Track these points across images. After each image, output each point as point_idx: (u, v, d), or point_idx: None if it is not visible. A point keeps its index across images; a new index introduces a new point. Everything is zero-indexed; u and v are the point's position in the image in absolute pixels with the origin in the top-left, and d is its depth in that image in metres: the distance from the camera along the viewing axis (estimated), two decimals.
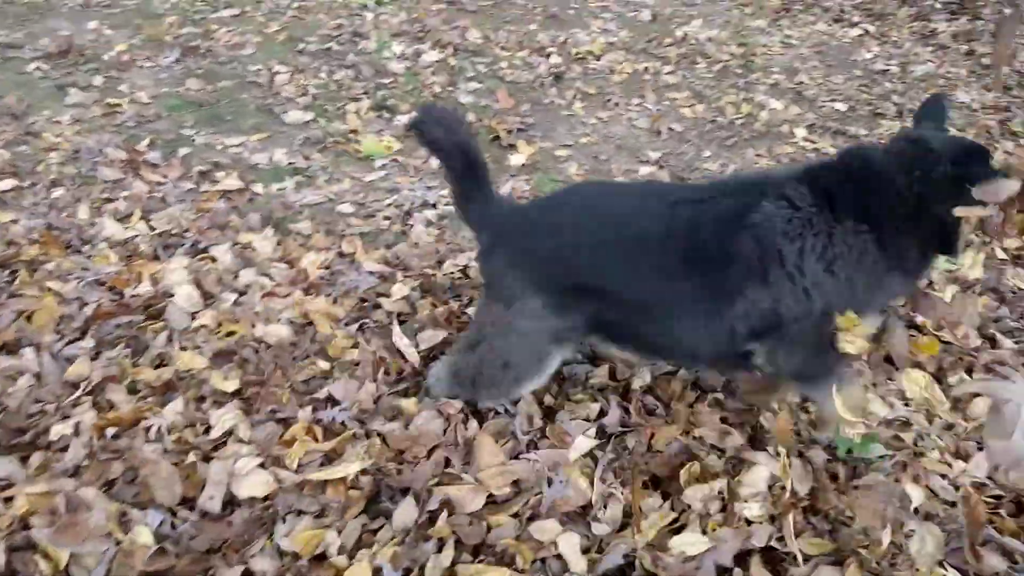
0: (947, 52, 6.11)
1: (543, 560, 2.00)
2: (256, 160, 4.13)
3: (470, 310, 2.96)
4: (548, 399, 2.53)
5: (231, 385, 2.48)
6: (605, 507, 2.13)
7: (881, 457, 2.25)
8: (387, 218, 3.67)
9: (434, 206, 3.78)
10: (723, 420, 2.44)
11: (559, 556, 2.00)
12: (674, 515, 2.11)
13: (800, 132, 4.66)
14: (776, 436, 2.31)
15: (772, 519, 2.09)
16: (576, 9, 6.84)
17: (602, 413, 2.46)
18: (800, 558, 1.95)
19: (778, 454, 2.16)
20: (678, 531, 2.07)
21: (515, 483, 2.18)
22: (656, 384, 2.60)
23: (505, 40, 5.95)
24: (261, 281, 3.08)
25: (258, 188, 3.86)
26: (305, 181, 3.97)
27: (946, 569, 1.88)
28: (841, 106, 5.10)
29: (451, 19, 6.26)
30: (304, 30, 5.91)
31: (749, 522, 2.09)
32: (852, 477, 2.23)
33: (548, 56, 5.69)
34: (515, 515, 2.09)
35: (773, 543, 2.02)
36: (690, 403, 2.51)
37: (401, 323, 2.84)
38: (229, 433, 2.32)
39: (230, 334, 2.77)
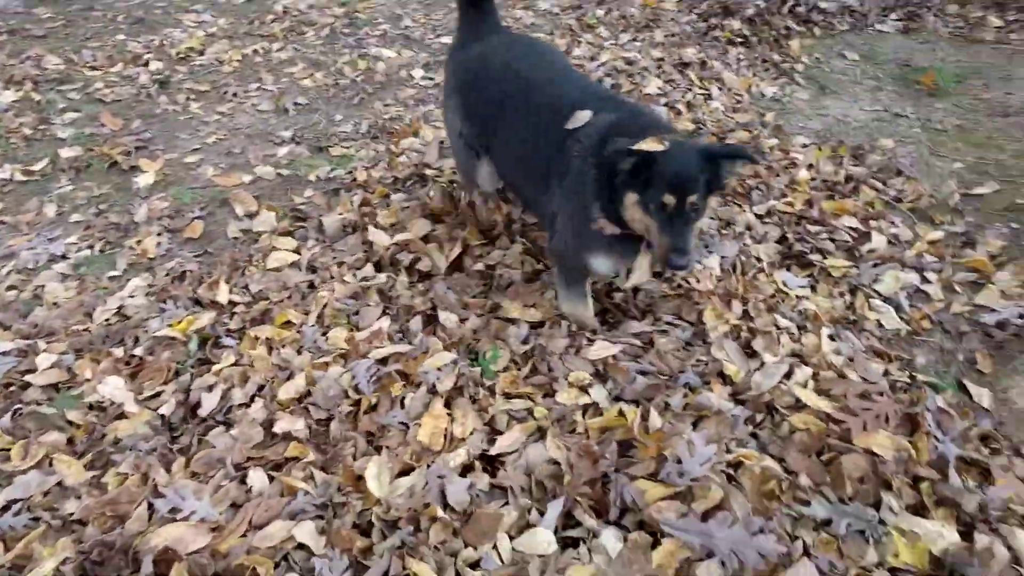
0: None
1: (285, 558, 1.98)
2: None
3: (138, 351, 2.75)
4: None
5: None
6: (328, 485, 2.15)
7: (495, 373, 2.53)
8: (11, 288, 3.21)
9: (64, 257, 3.38)
10: None
11: (301, 546, 2.00)
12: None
13: (418, 73, 4.88)
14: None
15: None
16: (163, 7, 6.38)
17: None
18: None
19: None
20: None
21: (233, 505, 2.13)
22: None
23: (92, 59, 5.38)
24: None
25: None
26: None
27: None
28: (448, 39, 5.41)
29: (18, 50, 5.50)
30: None
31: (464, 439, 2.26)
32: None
33: (147, 64, 5.27)
34: (244, 535, 2.04)
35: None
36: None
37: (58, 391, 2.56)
38: None
39: None
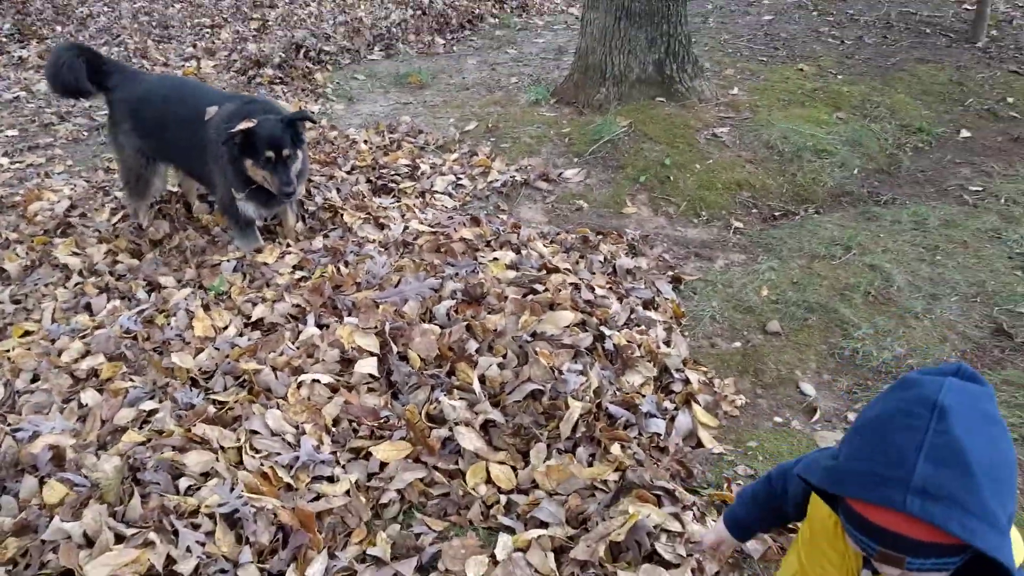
0: None
1: (145, 422, 2.79)
2: None
3: None
4: None
5: None
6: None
7: (224, 292, 3.59)
8: None
9: None
10: None
11: (151, 412, 2.82)
12: None
13: (4, 160, 5.26)
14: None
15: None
16: None
17: None
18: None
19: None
20: None
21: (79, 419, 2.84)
22: None
23: None
24: None
25: None
26: None
27: None
28: (11, 132, 5.79)
29: None
30: None
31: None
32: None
33: None
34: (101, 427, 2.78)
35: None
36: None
37: None
38: None
39: None
